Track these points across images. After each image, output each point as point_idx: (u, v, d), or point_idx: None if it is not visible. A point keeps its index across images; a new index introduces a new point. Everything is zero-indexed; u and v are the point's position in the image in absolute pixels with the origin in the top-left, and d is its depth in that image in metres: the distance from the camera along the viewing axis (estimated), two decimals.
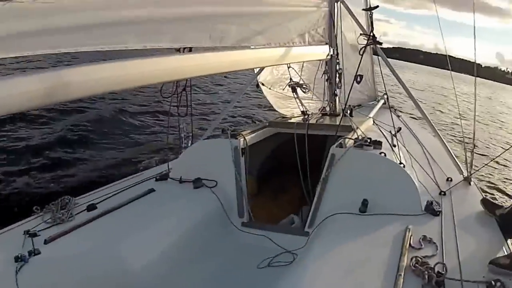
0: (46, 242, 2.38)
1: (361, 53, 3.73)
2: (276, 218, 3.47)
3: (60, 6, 1.73)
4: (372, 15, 3.86)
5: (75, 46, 1.81)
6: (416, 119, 6.62)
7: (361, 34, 3.85)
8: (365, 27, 4.17)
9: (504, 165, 10.60)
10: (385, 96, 6.93)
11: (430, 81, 42.80)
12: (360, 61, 3.81)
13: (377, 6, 4.03)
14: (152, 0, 2.18)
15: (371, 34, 3.74)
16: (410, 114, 8.27)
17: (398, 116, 5.98)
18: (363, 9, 4.08)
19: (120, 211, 2.85)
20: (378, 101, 6.53)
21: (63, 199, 2.89)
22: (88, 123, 7.87)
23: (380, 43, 3.86)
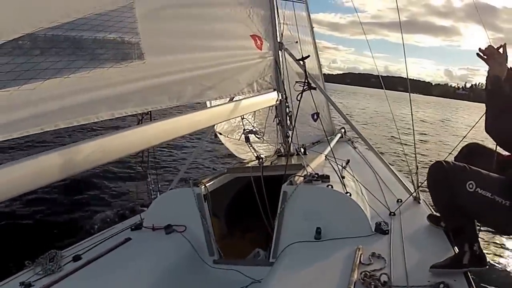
0: None
1: (298, 98, 4.15)
2: (245, 255, 3.74)
3: (40, 92, 2.03)
4: (305, 63, 4.24)
5: (55, 123, 2.11)
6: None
7: (296, 82, 4.27)
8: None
9: None
10: (342, 130, 7.38)
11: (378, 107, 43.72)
12: (298, 106, 4.22)
13: (308, 56, 4.46)
14: (116, 79, 2.47)
15: (306, 80, 4.16)
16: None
17: (355, 148, 6.38)
18: (297, 60, 4.48)
19: (103, 260, 3.08)
20: (336, 135, 6.93)
21: (50, 253, 3.12)
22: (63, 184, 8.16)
23: (314, 88, 4.28)
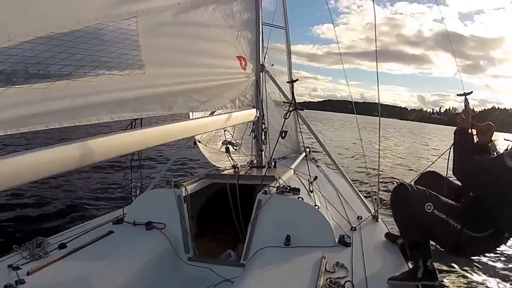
0: (28, 273, 2.59)
1: (285, 117, 4.24)
2: (215, 254, 3.79)
3: (50, 92, 2.08)
4: (293, 86, 4.35)
5: (60, 121, 2.14)
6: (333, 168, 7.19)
7: (284, 102, 4.38)
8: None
9: None
10: (307, 149, 7.53)
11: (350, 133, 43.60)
12: (283, 123, 4.33)
13: (297, 79, 4.58)
14: (118, 86, 2.53)
15: (293, 101, 4.26)
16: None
17: (318, 166, 6.51)
18: (287, 82, 4.59)
19: (87, 249, 3.09)
20: (301, 153, 7.06)
21: (37, 239, 3.09)
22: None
23: (302, 109, 4.40)
